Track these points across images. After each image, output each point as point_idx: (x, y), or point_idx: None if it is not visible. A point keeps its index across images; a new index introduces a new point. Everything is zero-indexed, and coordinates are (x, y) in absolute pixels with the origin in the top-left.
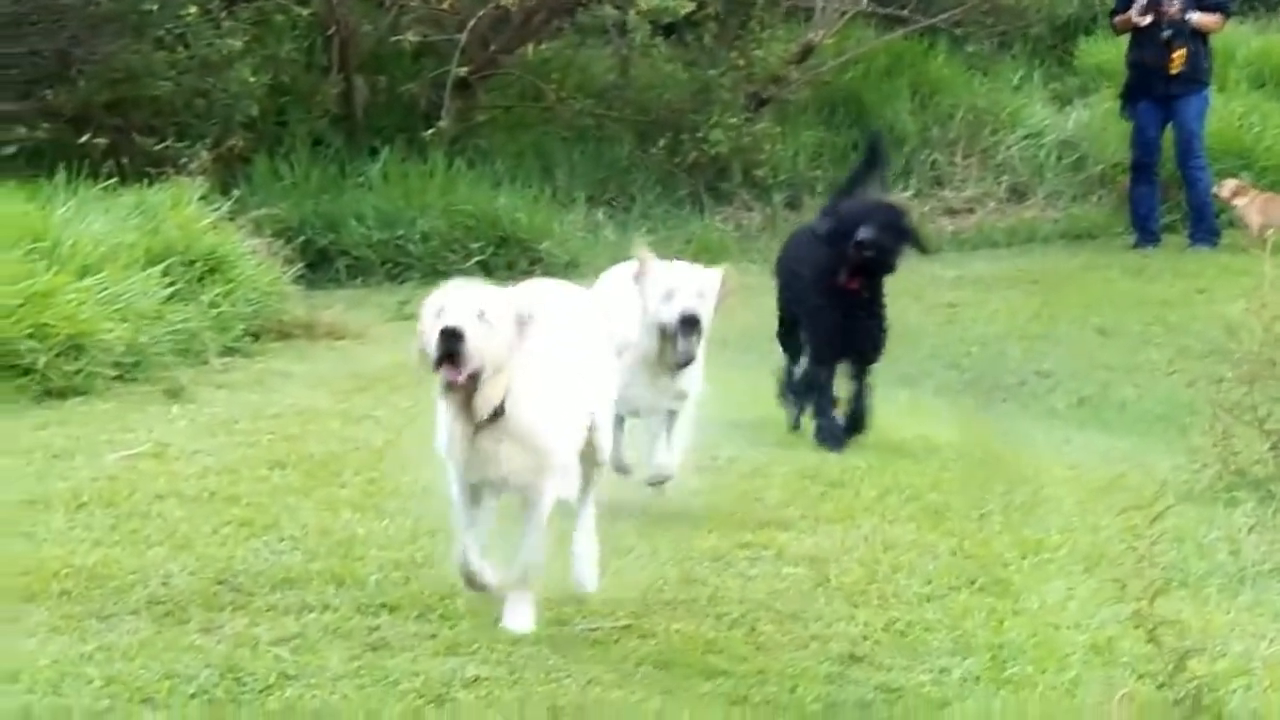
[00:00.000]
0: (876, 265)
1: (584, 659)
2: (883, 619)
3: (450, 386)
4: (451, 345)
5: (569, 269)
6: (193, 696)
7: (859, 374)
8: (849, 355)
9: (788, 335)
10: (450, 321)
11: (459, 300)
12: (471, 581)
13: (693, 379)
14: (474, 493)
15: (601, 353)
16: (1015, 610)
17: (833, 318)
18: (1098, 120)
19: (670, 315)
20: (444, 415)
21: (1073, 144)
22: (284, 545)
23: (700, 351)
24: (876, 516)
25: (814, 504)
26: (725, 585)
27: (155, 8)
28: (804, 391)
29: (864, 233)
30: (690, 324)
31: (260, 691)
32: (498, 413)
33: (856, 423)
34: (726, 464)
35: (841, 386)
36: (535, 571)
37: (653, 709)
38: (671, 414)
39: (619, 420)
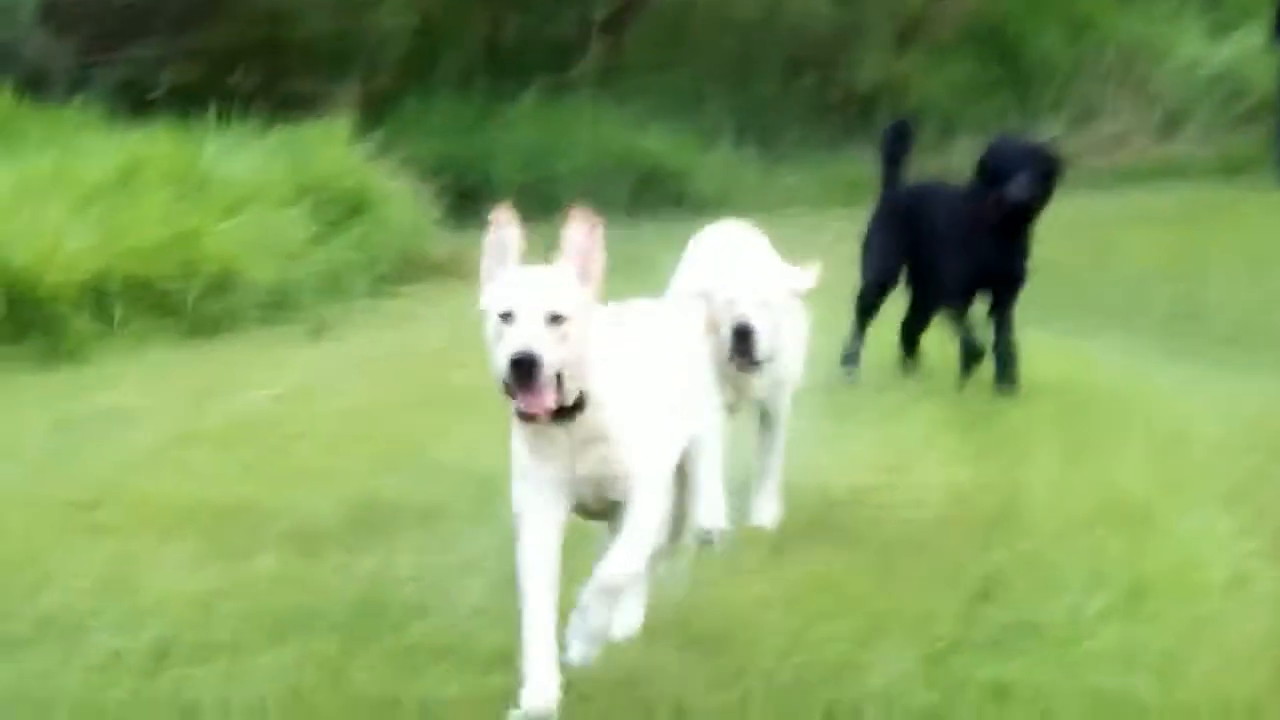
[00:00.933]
0: (1028, 213)
1: (714, 598)
2: (1016, 553)
3: (527, 418)
4: (526, 374)
5: (713, 206)
6: (331, 628)
7: (1001, 314)
8: (989, 296)
9: (880, 293)
10: (520, 346)
11: (529, 307)
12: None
13: (786, 367)
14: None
15: (690, 362)
16: (1152, 544)
17: (975, 259)
18: (1252, 53)
19: (726, 326)
20: (520, 448)
21: (1226, 77)
22: (423, 480)
23: (793, 342)
24: (1014, 452)
25: (953, 437)
26: (859, 522)
27: None
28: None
29: (1017, 187)
30: (743, 336)
31: (396, 625)
32: (576, 407)
33: (1005, 363)
34: (865, 401)
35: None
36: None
37: (781, 645)
38: (765, 415)
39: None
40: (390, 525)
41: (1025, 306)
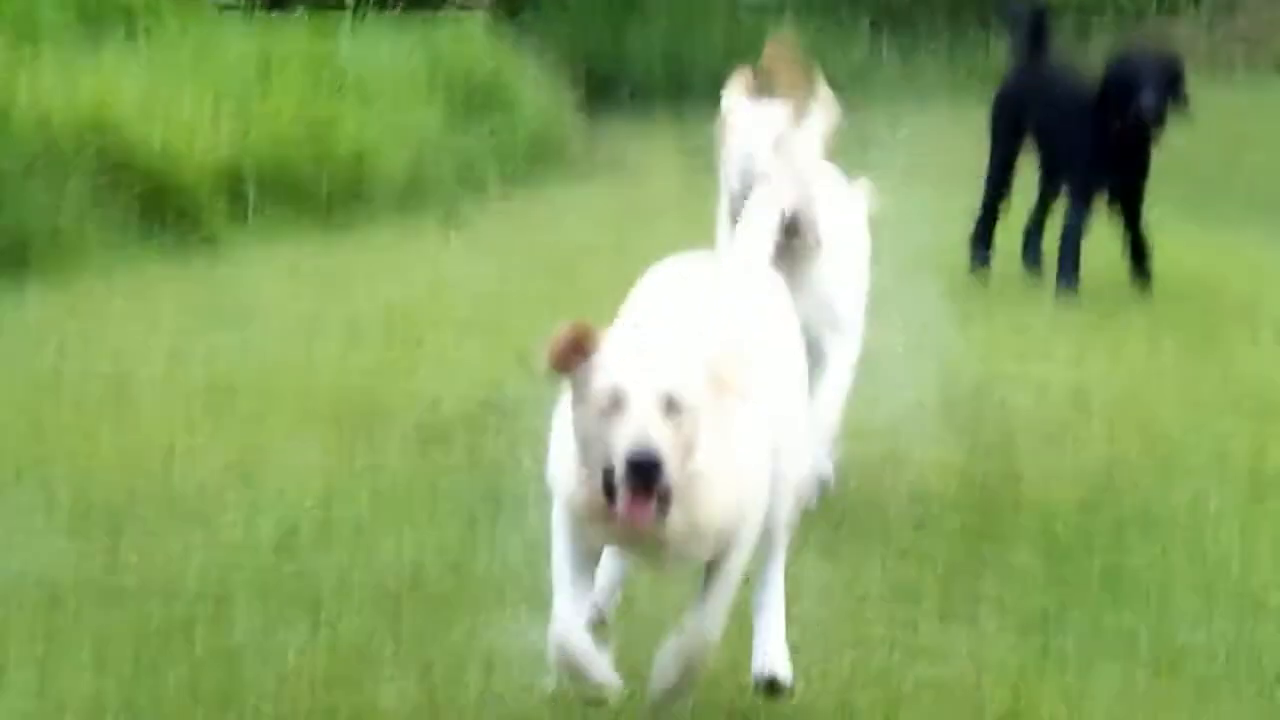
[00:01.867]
0: (1152, 127)
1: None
2: (1142, 446)
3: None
4: (647, 478)
5: (851, 94)
6: (453, 515)
7: (1130, 212)
8: (1117, 194)
9: (1004, 188)
10: (639, 446)
11: (642, 393)
12: (573, 670)
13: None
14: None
15: (787, 349)
16: (1278, 438)
17: (1099, 167)
18: None
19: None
20: (561, 441)
21: None
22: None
23: (855, 295)
24: (1143, 344)
25: (1081, 332)
26: (985, 414)
27: None
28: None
29: (1145, 99)
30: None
31: (517, 513)
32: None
33: (1139, 259)
34: (993, 293)
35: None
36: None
37: (906, 540)
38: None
39: None
40: (515, 416)
41: (1160, 201)
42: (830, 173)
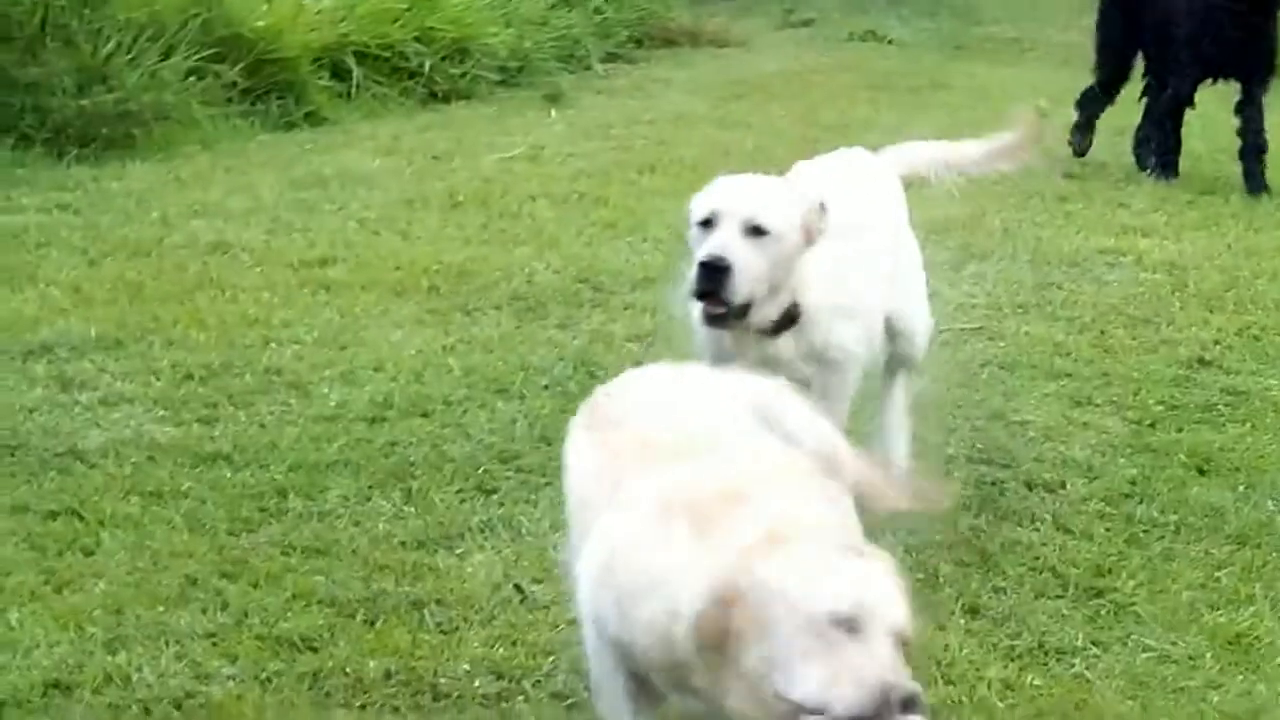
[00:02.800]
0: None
1: (929, 359)
2: (1237, 324)
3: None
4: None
5: None
6: (545, 388)
7: (1250, 94)
8: (1237, 75)
9: (1111, 85)
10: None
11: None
12: None
13: (840, 335)
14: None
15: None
16: None
17: (1210, 48)
18: None
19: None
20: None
21: None
22: (646, 246)
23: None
24: (1243, 224)
25: (1180, 211)
26: (1079, 290)
27: None
28: (1162, 114)
29: None
30: (713, 272)
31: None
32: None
33: (1255, 143)
34: (1095, 170)
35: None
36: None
37: (996, 404)
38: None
39: None
40: (611, 287)
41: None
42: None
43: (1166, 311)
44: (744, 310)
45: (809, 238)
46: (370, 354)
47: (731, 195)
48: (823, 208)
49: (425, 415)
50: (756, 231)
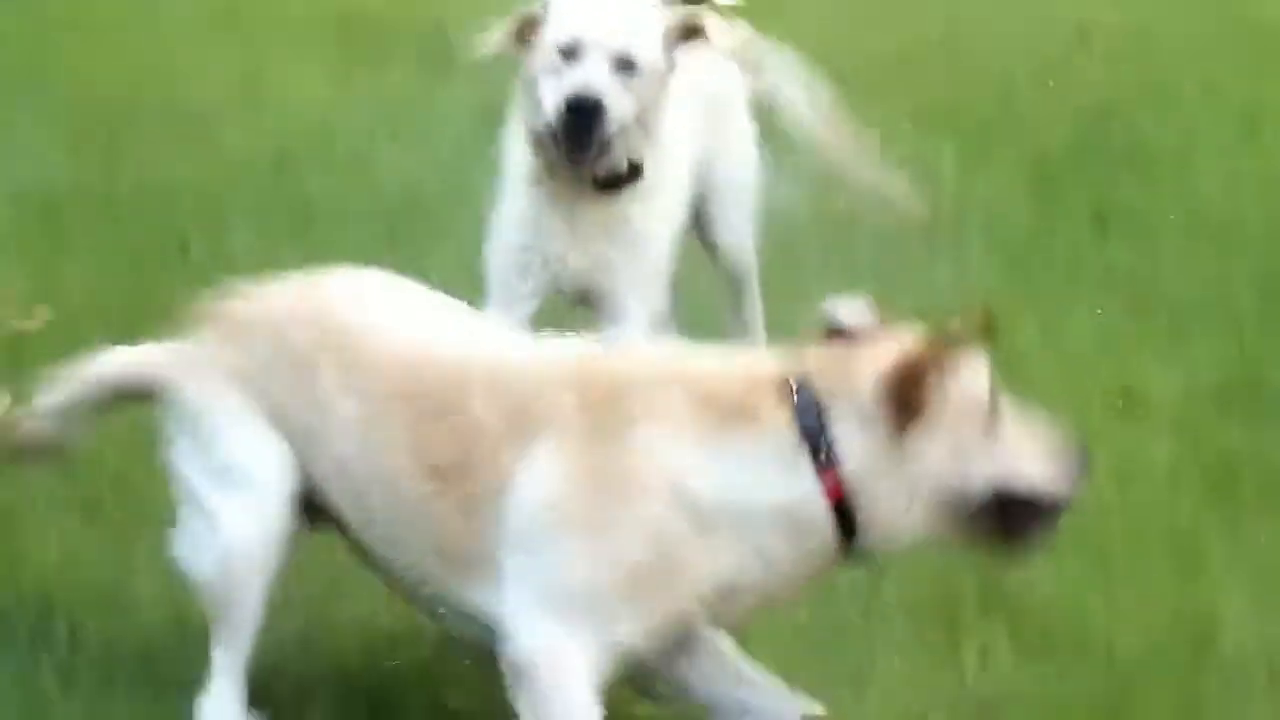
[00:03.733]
0: None
1: None
2: (1138, 80)
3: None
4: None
5: None
6: (452, 139)
7: None
8: None
9: None
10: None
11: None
12: None
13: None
14: None
15: None
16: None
17: None
18: None
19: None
20: None
21: None
22: None
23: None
24: None
25: None
26: (980, 51)
27: None
28: None
29: None
30: (585, 114)
31: None
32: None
33: None
34: None
35: None
36: None
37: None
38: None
39: None
40: None
41: None
42: None
43: (1068, 71)
44: (602, 154)
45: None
46: (277, 101)
47: (599, 21)
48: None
49: (330, 169)
50: (627, 66)
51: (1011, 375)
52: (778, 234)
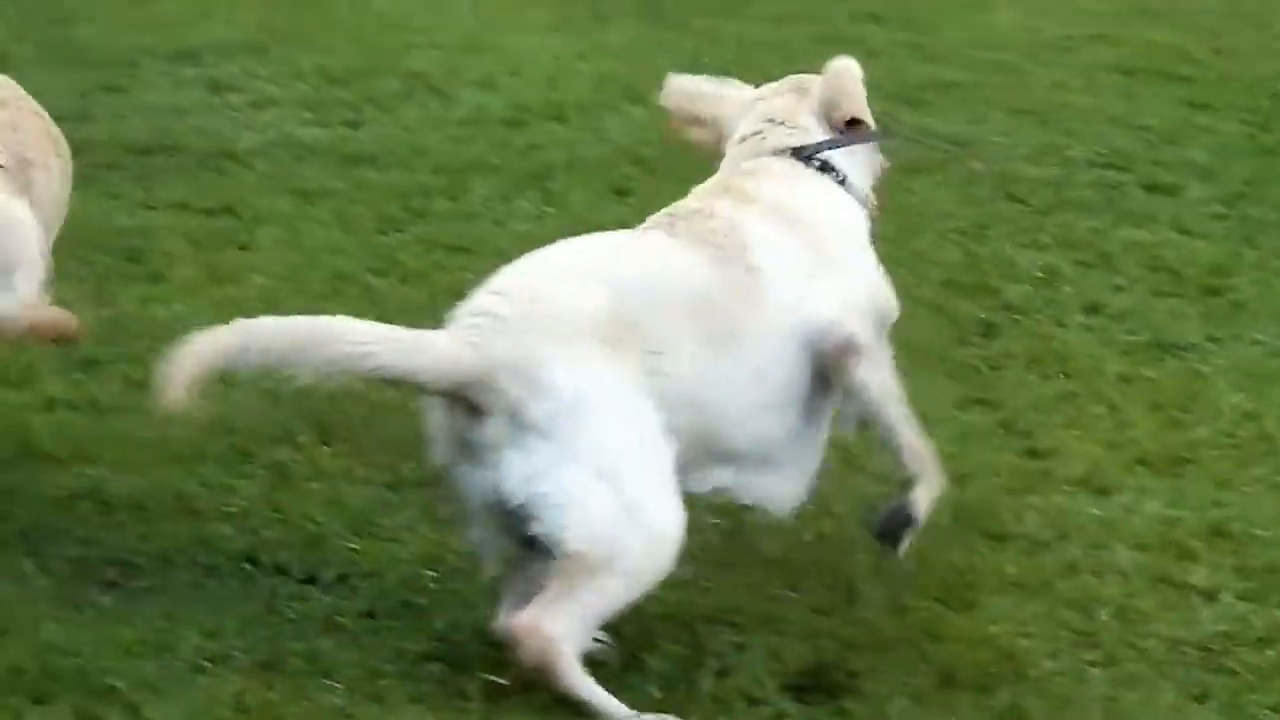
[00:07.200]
0: None
1: (1049, 62)
2: None
3: None
4: None
5: None
6: None
7: None
8: None
9: None
10: None
11: None
12: None
13: None
14: None
15: None
16: None
17: None
18: None
19: None
20: None
21: None
22: None
23: None
24: None
25: None
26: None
27: None
28: None
29: None
30: None
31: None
32: None
33: None
34: None
35: None
36: None
37: (1117, 109)
38: None
39: None
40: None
41: None
42: None
43: None
44: None
45: None
46: (508, 58)
47: None
48: None
49: (563, 119)
50: None
51: (1231, 319)
52: None
